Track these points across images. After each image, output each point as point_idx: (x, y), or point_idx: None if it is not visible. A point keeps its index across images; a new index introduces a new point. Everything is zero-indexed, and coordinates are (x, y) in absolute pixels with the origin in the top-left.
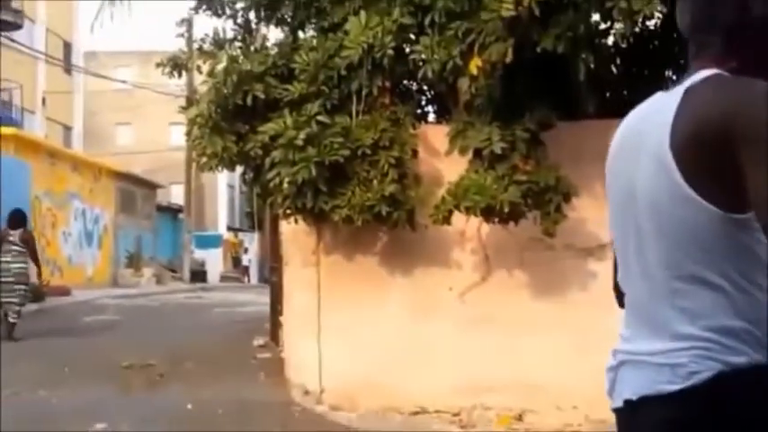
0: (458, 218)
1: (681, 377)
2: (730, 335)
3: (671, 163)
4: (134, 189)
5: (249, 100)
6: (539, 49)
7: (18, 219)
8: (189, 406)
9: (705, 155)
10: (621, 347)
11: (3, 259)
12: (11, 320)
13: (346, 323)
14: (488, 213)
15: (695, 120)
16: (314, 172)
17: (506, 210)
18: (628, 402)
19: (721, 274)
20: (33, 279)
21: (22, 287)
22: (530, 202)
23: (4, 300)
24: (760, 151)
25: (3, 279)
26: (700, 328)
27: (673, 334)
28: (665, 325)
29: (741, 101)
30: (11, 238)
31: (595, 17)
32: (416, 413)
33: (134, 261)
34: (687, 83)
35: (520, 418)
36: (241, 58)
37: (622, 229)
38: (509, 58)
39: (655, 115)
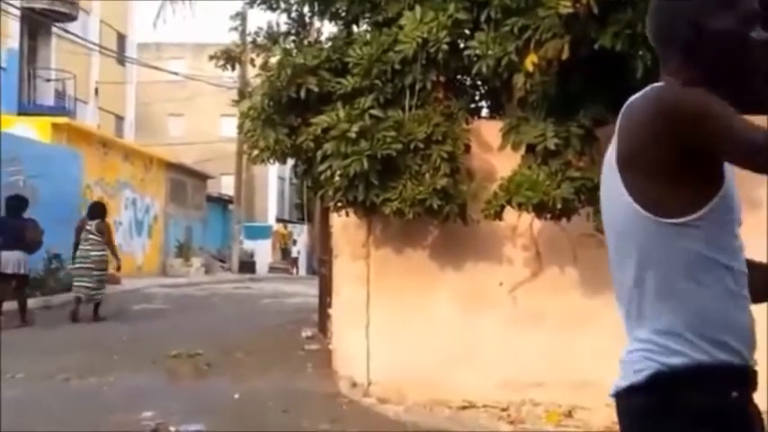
0: (509, 213)
1: (631, 375)
2: (673, 337)
3: (617, 174)
4: (185, 179)
5: (302, 93)
6: (596, 47)
7: (97, 210)
8: (236, 396)
9: (642, 160)
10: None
11: (82, 247)
12: (95, 301)
13: (395, 316)
14: (541, 209)
15: (628, 130)
16: (366, 165)
17: (559, 206)
18: (613, 397)
19: (663, 280)
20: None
21: (101, 273)
22: (582, 199)
23: (79, 284)
24: (713, 125)
25: (82, 265)
26: (648, 331)
27: (634, 336)
28: (630, 324)
29: (668, 98)
30: (89, 227)
31: None
32: (464, 407)
33: (183, 251)
34: (634, 96)
35: (569, 414)
36: (295, 51)
37: (608, 245)
38: (565, 55)
39: (614, 136)
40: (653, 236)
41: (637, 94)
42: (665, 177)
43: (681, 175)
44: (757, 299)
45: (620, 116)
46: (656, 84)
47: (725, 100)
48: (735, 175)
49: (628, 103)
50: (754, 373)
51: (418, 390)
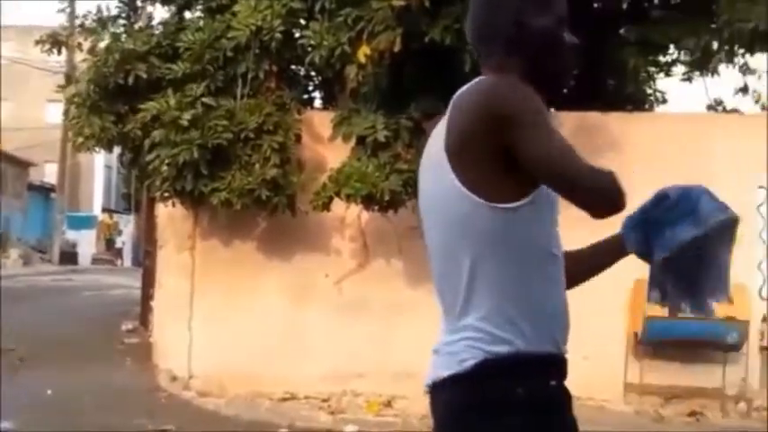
0: (338, 205)
1: (455, 364)
2: (498, 325)
3: (446, 163)
4: (3, 167)
5: (131, 79)
6: (427, 40)
7: None
8: (49, 392)
9: (470, 148)
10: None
11: None
12: None
13: (220, 309)
14: (369, 201)
15: (458, 119)
16: (196, 154)
17: (387, 198)
18: (427, 387)
19: (494, 266)
20: None
21: None
22: (410, 191)
23: None
24: (524, 130)
25: None
26: (474, 319)
27: (456, 326)
28: (453, 317)
29: (498, 94)
30: None
31: None
32: (285, 399)
33: (1, 242)
34: (460, 90)
35: (389, 404)
36: (124, 36)
37: (425, 232)
38: (397, 48)
39: (439, 126)
40: (483, 222)
41: (466, 86)
42: (493, 165)
43: (507, 164)
44: (581, 280)
45: (449, 106)
46: (482, 77)
47: (538, 93)
48: None
49: (458, 93)
50: (566, 361)
51: (240, 382)
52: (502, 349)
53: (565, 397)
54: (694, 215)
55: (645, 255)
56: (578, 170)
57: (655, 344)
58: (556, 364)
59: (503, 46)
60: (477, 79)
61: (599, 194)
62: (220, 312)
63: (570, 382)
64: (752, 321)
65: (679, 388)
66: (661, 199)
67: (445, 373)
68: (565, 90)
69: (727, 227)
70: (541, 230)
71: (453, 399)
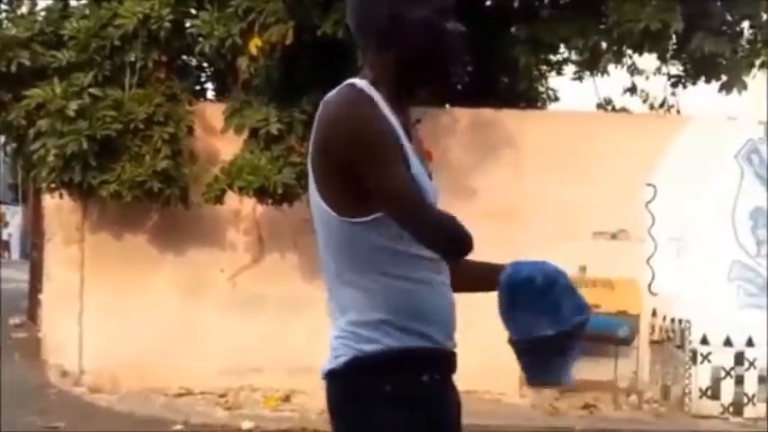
0: (233, 198)
1: (332, 359)
2: (366, 327)
3: (311, 173)
4: None
5: (14, 67)
6: (319, 33)
7: None
8: None
9: (322, 166)
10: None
11: None
12: None
13: (111, 303)
14: (262, 194)
15: (317, 132)
16: (84, 145)
17: (280, 191)
18: (322, 377)
19: (359, 273)
20: None
21: None
22: (304, 184)
23: None
24: (366, 163)
25: None
26: (345, 322)
27: (335, 324)
28: (332, 315)
29: (330, 122)
30: None
31: None
32: (181, 395)
33: None
34: (327, 96)
35: (287, 398)
36: (6, 22)
37: (317, 230)
38: (289, 40)
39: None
40: (343, 233)
41: (331, 93)
42: (345, 180)
43: (353, 183)
44: (463, 289)
45: (317, 113)
46: (348, 82)
47: (421, 86)
48: (432, 165)
49: (323, 100)
50: (452, 355)
51: (134, 378)
52: (370, 347)
53: (442, 391)
54: (557, 313)
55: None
56: (423, 219)
57: None
58: (429, 360)
59: (378, 40)
60: (341, 87)
61: (444, 242)
62: (112, 306)
63: (467, 376)
64: (642, 316)
65: (573, 381)
66: (529, 281)
67: (326, 368)
68: (457, 80)
69: (584, 325)
70: (404, 237)
71: (333, 393)
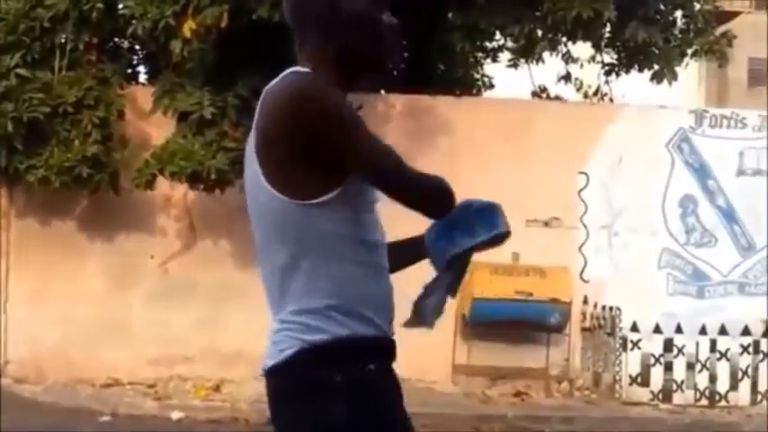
0: (164, 184)
1: (276, 353)
2: (312, 315)
3: (255, 160)
4: None
5: None
6: (255, 17)
7: None
8: None
9: (274, 150)
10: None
11: None
12: None
13: (38, 291)
14: (194, 180)
15: (263, 120)
16: (10, 128)
17: (213, 177)
18: (263, 376)
19: (305, 259)
20: None
21: None
22: (238, 170)
23: None
24: (343, 132)
25: None
26: (290, 311)
27: (277, 316)
28: (274, 307)
29: (307, 101)
30: None
31: None
32: (109, 385)
33: None
34: (269, 85)
35: (217, 388)
36: None
37: (252, 218)
38: (224, 24)
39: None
40: (291, 217)
41: (274, 82)
42: (297, 164)
43: (312, 163)
44: (393, 270)
45: (259, 102)
46: (293, 70)
47: (359, 77)
48: None
49: (266, 89)
50: (393, 343)
51: (60, 368)
52: (317, 337)
53: (388, 379)
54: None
55: (434, 255)
56: (410, 178)
57: (481, 325)
58: (375, 348)
59: (317, 32)
60: (285, 75)
61: (433, 199)
62: (38, 295)
63: (399, 364)
64: (574, 303)
65: (505, 369)
66: (465, 207)
67: (269, 363)
68: (393, 69)
69: (498, 240)
70: (352, 220)
71: (278, 387)
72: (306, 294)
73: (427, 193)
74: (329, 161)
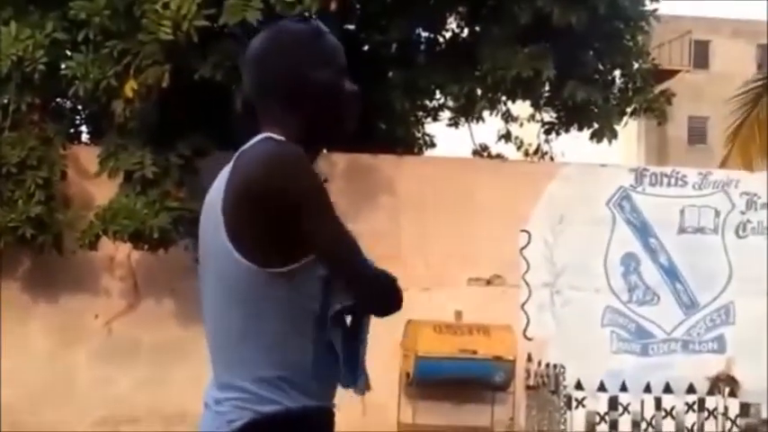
0: (108, 244)
1: (224, 425)
2: (265, 385)
3: (221, 222)
4: None
5: None
6: (197, 76)
7: None
8: None
9: (246, 215)
10: (206, 390)
11: None
12: None
13: None
14: (137, 239)
15: (238, 183)
16: None
17: (156, 235)
18: None
19: (260, 327)
20: None
21: None
22: (181, 230)
23: None
24: (312, 209)
25: None
26: (240, 379)
27: (222, 383)
28: (218, 374)
29: (280, 174)
30: None
31: None
32: None
33: None
34: (242, 149)
35: None
36: None
37: (201, 278)
38: (166, 83)
39: (221, 179)
40: (252, 283)
41: (249, 145)
42: (265, 233)
43: (281, 232)
44: None
45: (231, 165)
46: (268, 136)
47: (322, 143)
48: None
49: (240, 151)
50: (333, 412)
51: (6, 428)
52: (270, 409)
53: None
54: None
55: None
56: (363, 276)
57: (426, 384)
58: (322, 419)
59: (282, 102)
60: (261, 140)
61: (379, 300)
62: None
63: (345, 424)
64: (518, 361)
65: (450, 428)
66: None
67: None
68: (345, 134)
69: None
70: (312, 290)
71: None
72: (258, 363)
73: (376, 293)
74: (297, 233)
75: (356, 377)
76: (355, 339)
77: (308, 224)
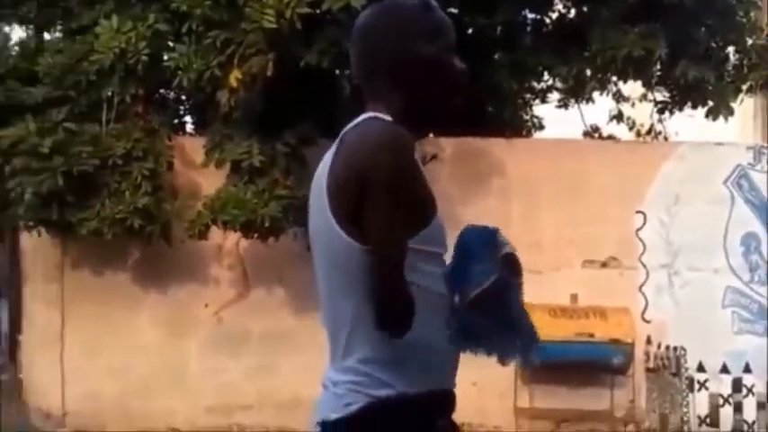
0: (215, 233)
1: (341, 407)
2: (379, 368)
3: (326, 202)
4: None
5: None
6: (302, 64)
7: None
8: None
9: (347, 195)
10: (324, 372)
11: None
12: None
13: (93, 342)
14: (248, 228)
15: (339, 162)
16: (60, 182)
17: (267, 224)
18: (318, 424)
19: (371, 308)
20: None
21: None
22: (290, 218)
23: None
24: (373, 199)
25: None
26: (355, 361)
27: (341, 365)
28: (337, 356)
29: (368, 152)
30: None
31: None
32: None
33: None
34: (347, 127)
35: None
36: None
37: (316, 264)
38: (270, 72)
39: (326, 158)
40: (360, 265)
41: (351, 126)
42: (361, 212)
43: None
44: None
45: (334, 145)
46: (373, 116)
47: (430, 123)
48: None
49: (343, 133)
50: (454, 395)
51: (120, 418)
52: (384, 393)
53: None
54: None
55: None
56: (390, 284)
57: (543, 368)
58: (442, 402)
59: (388, 78)
60: (363, 119)
61: (391, 313)
62: (94, 346)
63: (462, 409)
64: (637, 343)
65: (569, 411)
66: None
67: (332, 416)
68: (455, 114)
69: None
70: (421, 272)
71: None
72: (372, 345)
73: (392, 304)
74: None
75: (523, 346)
76: (507, 311)
77: (366, 213)
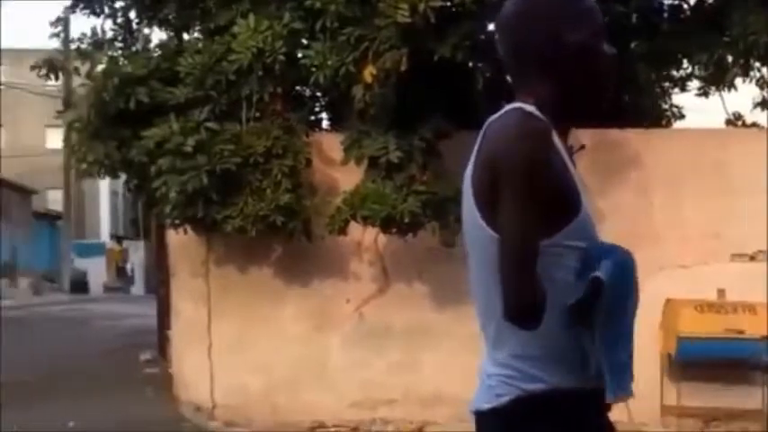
0: (354, 228)
1: (493, 397)
2: (529, 361)
3: (471, 197)
4: (6, 195)
5: (132, 104)
6: (436, 58)
7: None
8: (71, 424)
9: (484, 186)
10: (481, 364)
11: None
12: None
13: (239, 336)
14: (388, 224)
15: (483, 156)
16: (205, 181)
17: (406, 220)
18: (473, 413)
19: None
20: None
21: None
22: (428, 213)
23: None
24: (505, 189)
25: None
26: (506, 355)
27: (493, 358)
28: (489, 349)
29: (502, 142)
30: None
31: (492, 26)
32: (314, 428)
33: (8, 271)
34: (491, 118)
35: (421, 430)
36: (122, 60)
37: (469, 259)
38: (404, 67)
39: (474, 151)
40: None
41: (497, 115)
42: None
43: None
44: None
45: (479, 138)
46: (517, 106)
47: (579, 110)
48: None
49: (487, 124)
50: (603, 391)
51: (266, 411)
52: (535, 387)
53: (605, 428)
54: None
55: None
56: (513, 271)
57: (690, 365)
58: (593, 398)
59: (538, 67)
60: (507, 109)
61: (514, 303)
62: (240, 340)
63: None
64: None
65: (718, 410)
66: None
67: (485, 406)
68: (606, 103)
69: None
70: (567, 268)
71: (493, 429)
72: (522, 339)
73: (518, 296)
74: (546, 205)
75: (618, 381)
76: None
77: (500, 204)
